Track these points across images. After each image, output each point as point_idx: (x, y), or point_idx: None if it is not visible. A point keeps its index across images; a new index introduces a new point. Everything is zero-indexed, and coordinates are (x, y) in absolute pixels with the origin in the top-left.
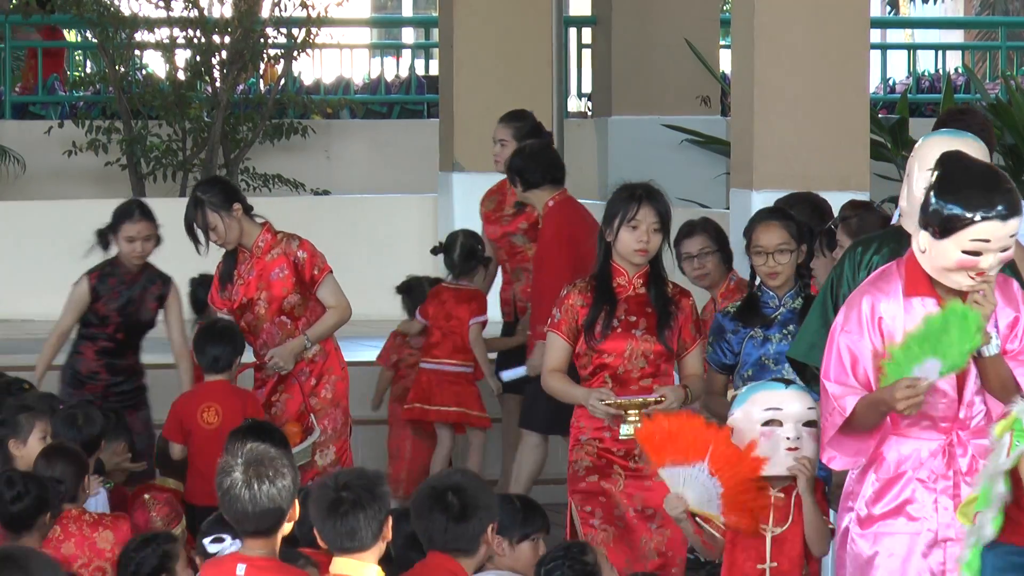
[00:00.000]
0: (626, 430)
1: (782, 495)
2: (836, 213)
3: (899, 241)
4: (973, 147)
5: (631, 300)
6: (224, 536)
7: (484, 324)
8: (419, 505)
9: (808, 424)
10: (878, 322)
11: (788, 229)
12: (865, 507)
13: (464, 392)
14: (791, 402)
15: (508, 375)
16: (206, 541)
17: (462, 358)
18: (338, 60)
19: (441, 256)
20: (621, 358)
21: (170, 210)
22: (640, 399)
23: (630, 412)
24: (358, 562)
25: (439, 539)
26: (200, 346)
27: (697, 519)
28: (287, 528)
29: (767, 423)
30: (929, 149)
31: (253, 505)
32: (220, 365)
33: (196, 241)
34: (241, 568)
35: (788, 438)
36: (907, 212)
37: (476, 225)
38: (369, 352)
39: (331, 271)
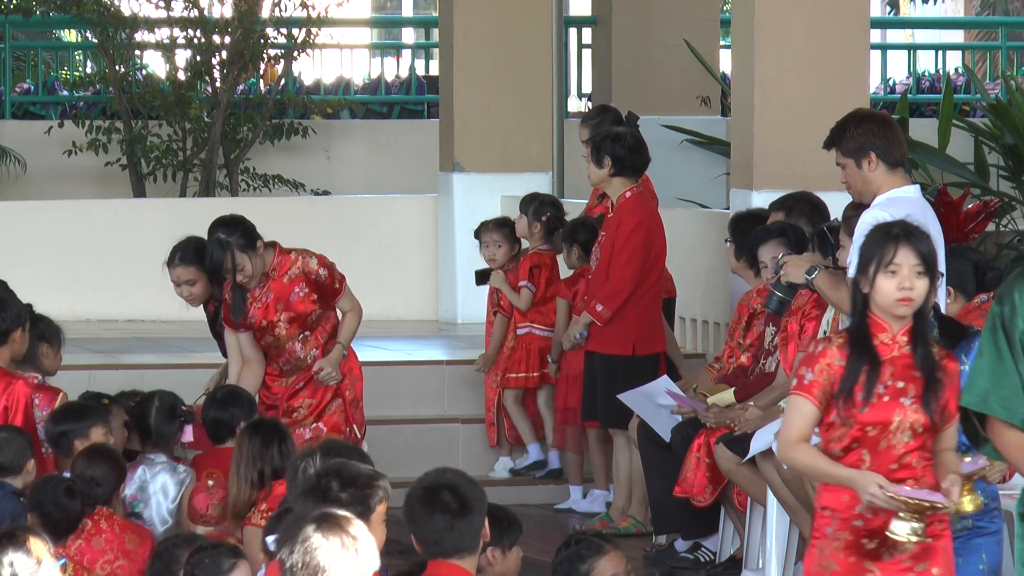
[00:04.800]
0: (900, 529)
1: None
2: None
3: None
4: None
5: (896, 362)
6: None
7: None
8: (415, 510)
9: None
10: None
11: None
12: None
13: None
14: None
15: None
16: (269, 539)
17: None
18: (338, 60)
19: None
20: (886, 431)
21: (170, 210)
22: (932, 502)
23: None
24: None
25: (445, 540)
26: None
27: None
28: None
29: None
30: None
31: None
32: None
33: (222, 282)
34: None
35: None
36: None
37: (474, 225)
38: (369, 352)
39: (345, 278)
